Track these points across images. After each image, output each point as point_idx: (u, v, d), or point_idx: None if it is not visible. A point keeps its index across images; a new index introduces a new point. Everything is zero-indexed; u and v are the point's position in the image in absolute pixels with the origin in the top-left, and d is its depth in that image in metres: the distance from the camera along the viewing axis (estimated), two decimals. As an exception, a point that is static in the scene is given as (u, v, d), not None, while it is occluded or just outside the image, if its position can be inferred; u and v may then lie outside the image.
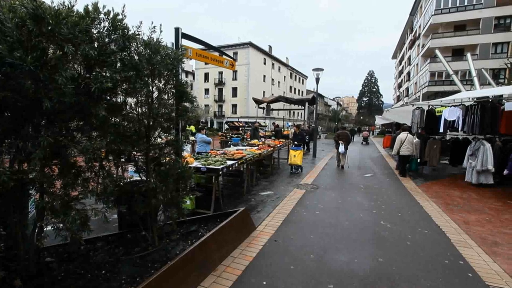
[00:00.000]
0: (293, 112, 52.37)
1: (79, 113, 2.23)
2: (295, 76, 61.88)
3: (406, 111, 10.68)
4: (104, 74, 2.21)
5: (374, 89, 72.04)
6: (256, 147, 7.75)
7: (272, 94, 38.27)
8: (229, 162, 5.07)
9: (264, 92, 46.05)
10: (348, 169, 9.59)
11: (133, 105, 2.70)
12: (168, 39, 3.41)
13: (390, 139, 15.04)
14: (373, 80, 72.31)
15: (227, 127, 19.71)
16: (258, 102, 16.88)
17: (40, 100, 1.89)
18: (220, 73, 45.14)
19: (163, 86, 2.80)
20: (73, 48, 1.98)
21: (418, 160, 8.98)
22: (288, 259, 3.19)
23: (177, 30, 3.54)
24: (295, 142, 9.44)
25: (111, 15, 2.28)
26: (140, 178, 2.90)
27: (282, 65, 55.16)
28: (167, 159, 2.96)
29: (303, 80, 65.72)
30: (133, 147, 2.70)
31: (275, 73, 52.13)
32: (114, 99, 2.54)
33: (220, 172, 4.61)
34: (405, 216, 4.77)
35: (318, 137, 23.68)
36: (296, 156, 8.38)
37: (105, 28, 2.29)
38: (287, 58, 57.69)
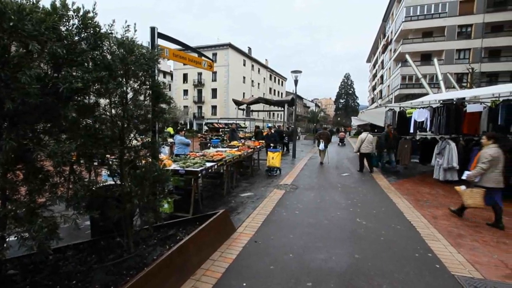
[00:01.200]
0: (273, 114, 52.86)
1: (47, 114, 2.11)
2: (275, 78, 62.55)
3: (379, 112, 11.18)
4: (74, 73, 2.11)
5: (350, 91, 74.59)
6: (235, 149, 7.73)
7: (252, 96, 38.41)
8: (208, 164, 5.01)
9: (244, 93, 46.08)
10: (326, 169, 9.86)
11: (106, 107, 2.59)
12: (143, 39, 3.33)
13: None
14: (349, 83, 74.86)
15: (207, 128, 19.48)
16: (238, 103, 16.88)
17: (1, 101, 1.76)
18: (199, 74, 44.55)
19: (138, 87, 2.72)
20: (38, 46, 1.87)
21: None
22: (268, 260, 3.21)
23: (152, 29, 3.45)
24: (271, 144, 9.48)
25: (81, 13, 2.18)
26: (114, 182, 2.79)
27: (261, 66, 55.54)
28: (143, 161, 2.87)
29: (282, 82, 66.58)
30: (106, 150, 2.59)
31: (254, 74, 52.35)
32: (86, 100, 2.43)
33: (199, 174, 4.55)
34: (380, 213, 4.98)
35: (297, 138, 24.09)
36: (274, 158, 8.43)
37: (75, 26, 2.19)
38: (266, 59, 58.18)
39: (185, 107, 44.67)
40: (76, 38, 2.21)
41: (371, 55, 57.54)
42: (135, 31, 2.55)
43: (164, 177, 2.86)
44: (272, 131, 11.83)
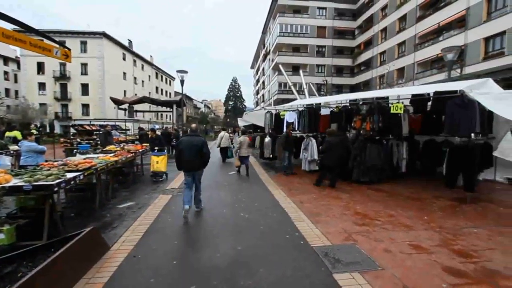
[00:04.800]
0: (161, 114, 49.53)
1: None
2: (162, 77, 58.85)
3: (260, 114, 12.44)
4: None
5: (238, 94, 79.33)
6: (112, 154, 6.74)
7: (136, 94, 34.53)
8: (70, 175, 4.11)
9: (125, 91, 40.94)
10: (215, 169, 10.14)
11: None
12: None
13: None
14: (237, 86, 79.46)
15: (74, 131, 16.01)
16: (117, 102, 14.89)
17: None
18: (62, 64, 36.22)
19: None
20: None
21: (271, 155, 10.70)
22: (148, 273, 2.95)
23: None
24: (155, 148, 8.82)
25: None
26: None
27: (146, 63, 51.01)
28: None
29: (170, 81, 63.42)
30: None
31: (137, 71, 47.47)
32: None
33: (56, 189, 3.65)
34: (260, 205, 5.52)
35: (188, 139, 23.45)
36: (159, 162, 7.88)
37: None
38: (151, 56, 53.86)
39: (42, 104, 35.34)
40: None
41: (254, 62, 63.43)
42: None
43: (-12, 198, 2.12)
44: (158, 133, 11.06)
